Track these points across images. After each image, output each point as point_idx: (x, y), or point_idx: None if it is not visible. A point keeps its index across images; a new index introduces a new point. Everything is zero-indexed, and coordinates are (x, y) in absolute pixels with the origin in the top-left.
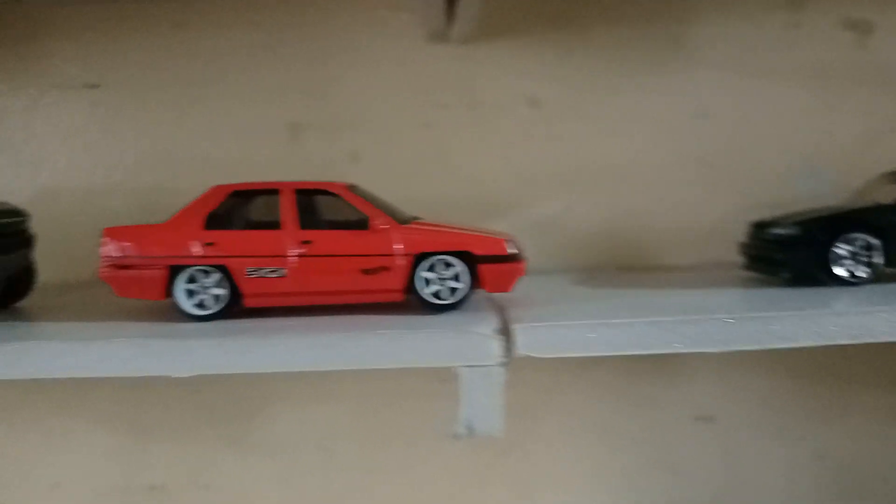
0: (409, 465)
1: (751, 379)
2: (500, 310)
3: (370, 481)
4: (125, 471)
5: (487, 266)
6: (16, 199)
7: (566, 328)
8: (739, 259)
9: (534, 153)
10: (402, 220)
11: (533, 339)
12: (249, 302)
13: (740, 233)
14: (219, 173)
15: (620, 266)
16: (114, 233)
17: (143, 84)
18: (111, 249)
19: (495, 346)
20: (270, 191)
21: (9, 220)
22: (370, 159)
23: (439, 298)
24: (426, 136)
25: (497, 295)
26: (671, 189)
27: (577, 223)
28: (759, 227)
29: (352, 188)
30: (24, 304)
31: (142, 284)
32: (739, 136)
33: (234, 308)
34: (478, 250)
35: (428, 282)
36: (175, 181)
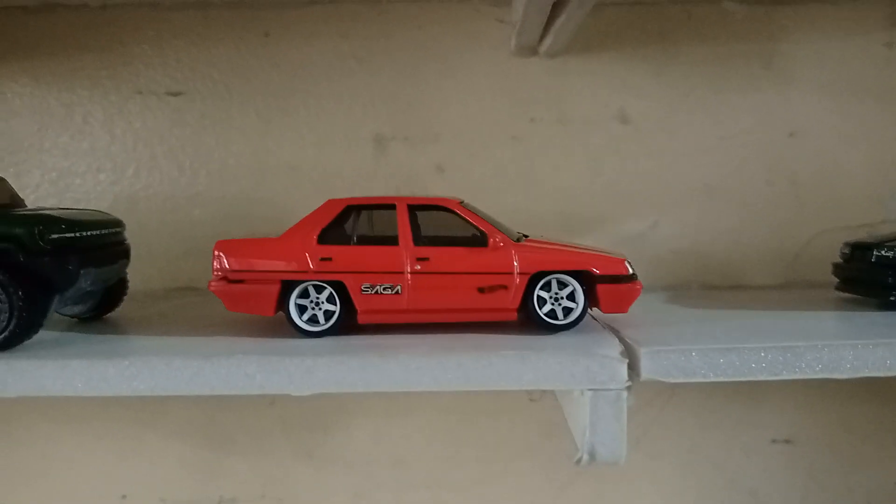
0: (484, 483)
1: (830, 402)
2: (612, 331)
3: (445, 498)
4: (195, 483)
5: (606, 286)
6: (96, 206)
7: (695, 353)
8: (830, 279)
9: (622, 169)
10: (514, 238)
11: (659, 364)
12: (363, 319)
13: (828, 253)
14: (304, 184)
15: (706, 285)
16: (227, 246)
17: (227, 93)
18: (224, 263)
19: (622, 370)
20: (385, 206)
21: (110, 231)
22: (455, 172)
23: (553, 318)
24: (513, 149)
25: (600, 314)
26: (760, 208)
27: (664, 240)
28: (860, 249)
29: (462, 204)
30: (113, 314)
31: (255, 299)
32: (831, 155)
33: (345, 325)
34: (598, 270)
35: (541, 301)
36: (260, 191)
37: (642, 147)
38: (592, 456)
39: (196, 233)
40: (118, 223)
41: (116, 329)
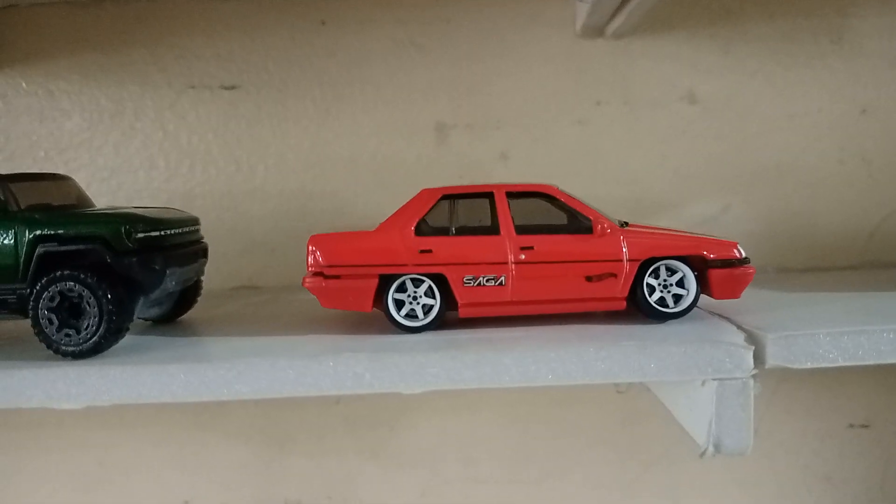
0: (554, 477)
1: None
2: (721, 319)
3: (513, 493)
4: (259, 485)
5: (720, 271)
6: (151, 202)
7: (823, 336)
8: None
9: (691, 150)
10: (619, 224)
11: (787, 350)
12: (465, 312)
13: None
14: (365, 175)
15: (781, 268)
16: (321, 241)
17: (283, 84)
18: (318, 258)
19: (748, 358)
20: (482, 194)
21: (190, 229)
22: (520, 158)
23: (662, 306)
24: (579, 133)
25: (702, 303)
26: (832, 187)
27: (735, 222)
28: None
29: (560, 189)
30: (187, 317)
31: (352, 294)
32: None
33: (443, 319)
34: (711, 254)
35: (650, 289)
36: (319, 183)
37: (711, 128)
38: (718, 448)
39: (254, 229)
40: (196, 221)
41: (195, 331)
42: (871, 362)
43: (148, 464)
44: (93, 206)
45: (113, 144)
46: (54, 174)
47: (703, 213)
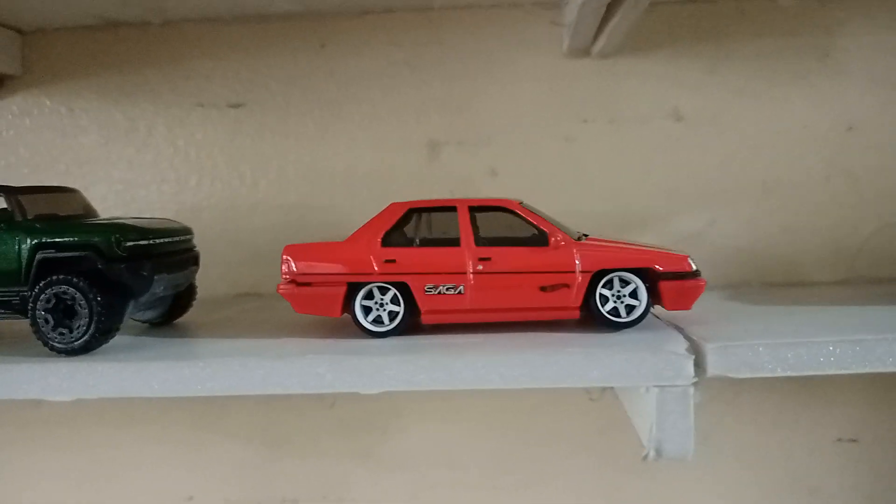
0: (540, 483)
1: None
2: (675, 329)
3: (501, 498)
4: (258, 484)
5: (670, 283)
6: (161, 216)
7: (762, 347)
8: (893, 275)
9: (676, 166)
10: (575, 237)
11: (726, 359)
12: (427, 319)
13: (891, 247)
14: (360, 189)
15: (765, 282)
16: (294, 250)
17: (285, 102)
18: (292, 266)
19: (689, 366)
20: (446, 208)
21: (181, 238)
22: (509, 174)
23: (616, 316)
24: (566, 150)
25: (662, 313)
26: (819, 204)
27: (721, 238)
28: None
29: (522, 204)
30: (182, 320)
31: (322, 301)
32: (890, 149)
33: (409, 325)
34: (661, 267)
35: (603, 299)
36: (317, 197)
37: (697, 144)
38: (659, 453)
39: (257, 240)
40: (188, 231)
41: (187, 333)
42: (810, 373)
43: (152, 461)
44: (97, 216)
45: (127, 160)
46: (62, 187)
47: (688, 228)
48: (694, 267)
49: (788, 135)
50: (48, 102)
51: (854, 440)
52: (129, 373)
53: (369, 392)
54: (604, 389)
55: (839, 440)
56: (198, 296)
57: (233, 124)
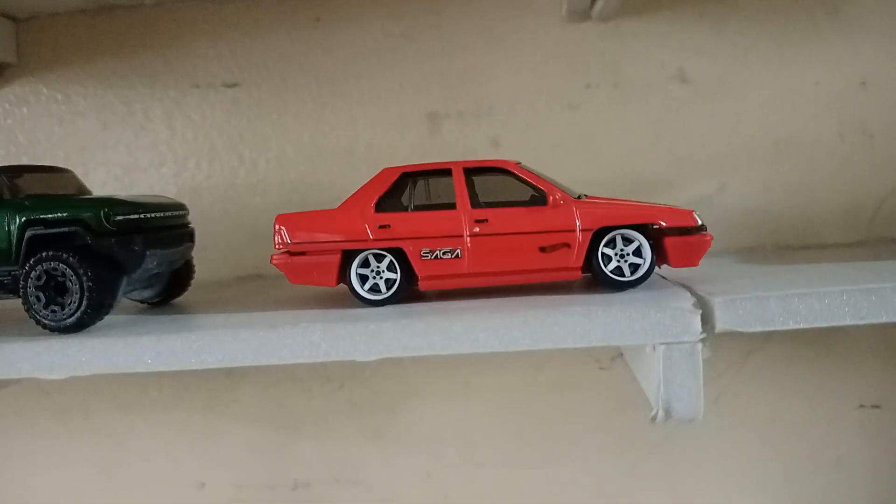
0: (554, 460)
1: None
2: (682, 287)
3: (513, 477)
4: (270, 468)
5: (675, 238)
6: None
7: (772, 299)
8: None
9: (684, 130)
10: (575, 196)
11: (735, 313)
12: (424, 285)
13: None
14: (361, 166)
15: (781, 246)
16: (286, 220)
17: (282, 80)
18: (284, 236)
19: (696, 322)
20: (441, 171)
21: (174, 213)
22: (511, 144)
23: (619, 275)
24: (570, 117)
25: (670, 274)
26: (833, 163)
27: (732, 202)
28: None
29: (521, 165)
30: (181, 300)
31: (316, 270)
32: None
33: (407, 292)
34: (665, 222)
35: (605, 259)
36: (318, 175)
37: (704, 107)
38: (668, 413)
39: (258, 220)
40: (181, 206)
41: (183, 311)
42: (823, 324)
43: (164, 447)
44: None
45: (125, 144)
46: (54, 167)
47: (698, 192)
48: (699, 222)
49: (800, 93)
50: (45, 90)
51: (877, 406)
52: (120, 347)
53: (366, 359)
54: (613, 358)
55: (861, 407)
56: (199, 278)
57: (230, 104)
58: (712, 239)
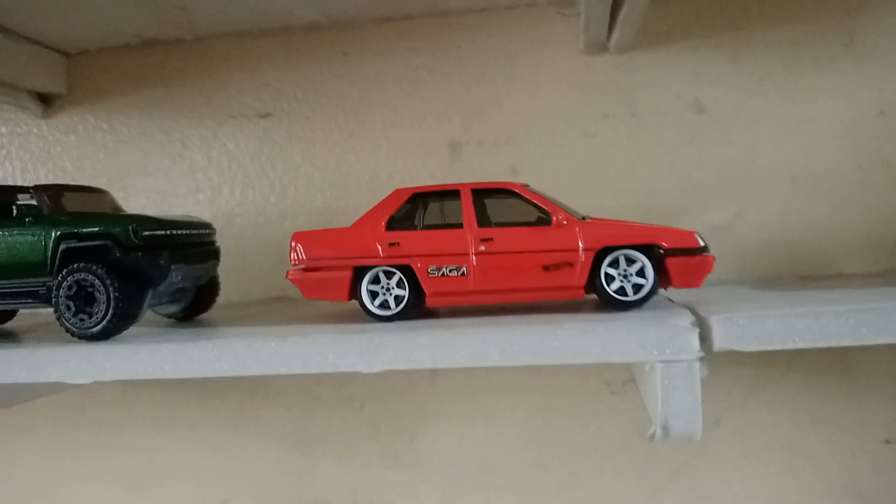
0: (572, 486)
1: None
2: (685, 307)
3: (530, 502)
4: (291, 487)
5: (677, 259)
6: None
7: (771, 318)
8: None
9: (700, 159)
10: (580, 217)
11: (734, 331)
12: (432, 301)
13: None
14: (384, 192)
15: (798, 275)
16: (302, 237)
17: (311, 111)
18: (300, 252)
19: (694, 340)
20: (450, 192)
21: (201, 231)
22: (530, 172)
23: (623, 295)
24: (587, 146)
25: (677, 296)
26: (851, 192)
27: (749, 231)
28: None
29: (528, 187)
30: (206, 316)
31: (328, 285)
32: None
33: (416, 309)
34: (667, 243)
35: (609, 279)
36: (343, 201)
37: (720, 136)
38: (666, 431)
39: (286, 244)
40: (207, 225)
41: (206, 325)
42: (822, 344)
43: (190, 464)
44: None
45: (164, 171)
46: (92, 187)
47: (714, 221)
48: (701, 243)
49: (816, 123)
50: (91, 119)
51: None
52: (141, 355)
53: (371, 370)
54: (624, 382)
55: (888, 441)
56: (230, 298)
57: (262, 133)
58: (714, 260)
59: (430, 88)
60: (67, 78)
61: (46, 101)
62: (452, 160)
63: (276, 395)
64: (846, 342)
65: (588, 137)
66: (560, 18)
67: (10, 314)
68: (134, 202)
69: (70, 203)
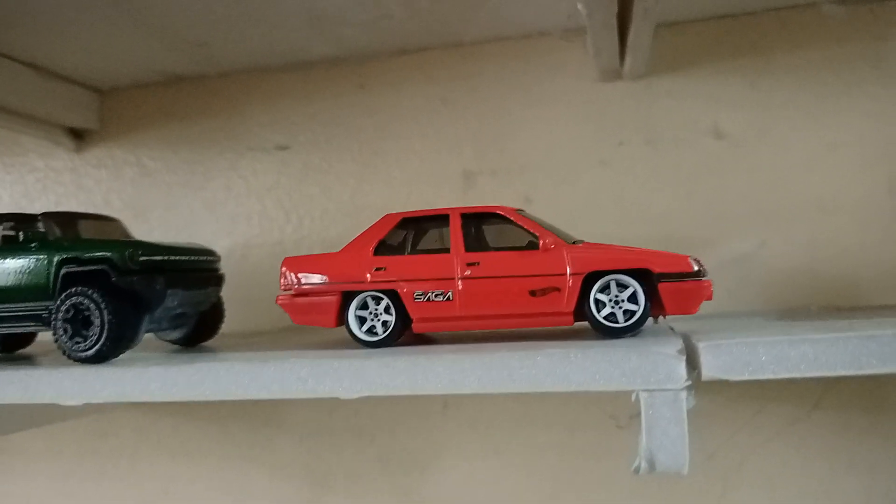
0: None
1: None
2: (679, 335)
3: None
4: None
5: (669, 285)
6: None
7: (762, 346)
8: None
9: (720, 186)
10: (571, 241)
11: (721, 359)
12: (418, 328)
13: None
14: None
15: (827, 307)
16: (292, 262)
17: (327, 142)
18: (290, 278)
19: (680, 368)
20: (439, 217)
21: (200, 258)
22: (544, 201)
23: (613, 322)
24: (602, 174)
25: (685, 326)
26: (883, 220)
27: (774, 261)
28: None
29: (520, 212)
30: (211, 343)
31: (317, 310)
32: None
33: (403, 335)
34: (658, 267)
35: (600, 305)
36: (358, 231)
37: (741, 162)
38: (652, 464)
39: None
40: (210, 252)
41: (207, 351)
42: (818, 374)
43: (203, 493)
44: None
45: (187, 204)
46: (102, 215)
47: (737, 250)
48: (696, 268)
49: (843, 148)
50: (120, 153)
51: None
52: (129, 377)
53: (349, 396)
54: (631, 417)
55: None
56: (244, 328)
57: (280, 165)
58: (711, 286)
59: (444, 119)
60: (99, 113)
61: (79, 136)
62: (466, 190)
63: (289, 426)
64: (846, 371)
65: (603, 165)
66: (574, 47)
67: (29, 339)
68: (158, 234)
69: (81, 230)
